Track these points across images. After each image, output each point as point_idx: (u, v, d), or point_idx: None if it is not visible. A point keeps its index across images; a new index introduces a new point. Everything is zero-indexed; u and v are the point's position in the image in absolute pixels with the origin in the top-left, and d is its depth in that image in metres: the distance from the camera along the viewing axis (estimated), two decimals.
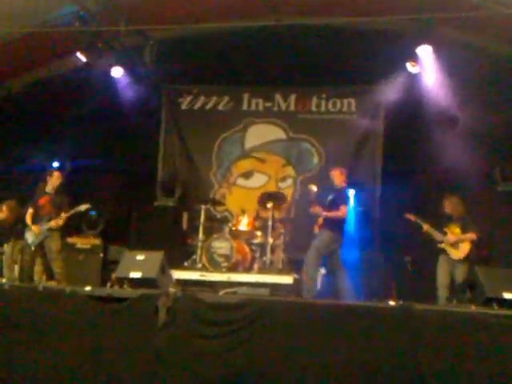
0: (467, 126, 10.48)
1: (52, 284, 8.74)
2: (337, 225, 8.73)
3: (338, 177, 9.13)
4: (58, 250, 9.23)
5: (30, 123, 11.82)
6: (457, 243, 8.92)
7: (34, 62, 11.80)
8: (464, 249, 8.89)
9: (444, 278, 8.92)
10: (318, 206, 8.88)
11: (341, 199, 8.87)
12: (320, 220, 8.94)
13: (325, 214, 8.80)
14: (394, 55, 10.19)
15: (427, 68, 10.18)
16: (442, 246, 8.98)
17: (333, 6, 10.22)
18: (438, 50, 9.88)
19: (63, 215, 9.26)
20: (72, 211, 9.35)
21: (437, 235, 9.03)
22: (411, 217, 9.19)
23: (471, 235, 8.92)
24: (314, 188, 9.32)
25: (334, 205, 8.77)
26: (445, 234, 9.04)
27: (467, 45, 10.24)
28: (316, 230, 9.05)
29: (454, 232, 9.02)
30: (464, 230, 8.99)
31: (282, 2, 10.41)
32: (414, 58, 10.10)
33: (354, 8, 10.19)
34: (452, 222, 9.11)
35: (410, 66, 10.23)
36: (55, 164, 12.07)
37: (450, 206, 9.20)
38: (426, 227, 9.07)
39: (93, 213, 11.23)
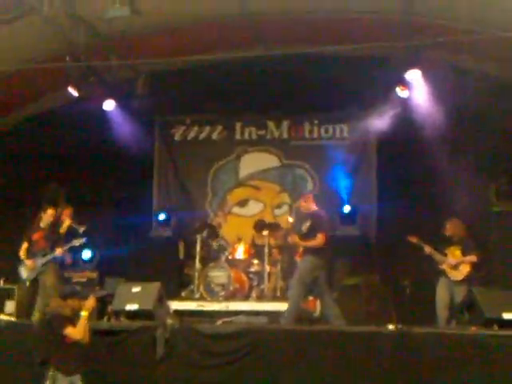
0: (460, 147, 10.52)
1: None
2: (317, 250, 8.58)
3: (304, 206, 9.02)
4: (52, 285, 9.17)
5: (23, 158, 11.84)
6: (457, 265, 8.93)
7: (26, 98, 11.84)
8: (464, 270, 8.90)
9: (443, 300, 8.91)
10: (294, 235, 8.81)
11: (317, 225, 8.58)
12: (300, 248, 8.86)
13: (303, 243, 8.63)
14: (384, 80, 10.27)
15: (417, 92, 10.24)
16: (443, 267, 8.98)
17: (321, 34, 10.31)
18: (426, 74, 9.94)
19: (58, 250, 9.23)
20: (67, 246, 9.34)
21: (438, 257, 9.04)
22: (413, 239, 9.19)
23: (472, 257, 8.94)
24: (290, 219, 9.39)
25: (311, 233, 8.55)
26: (445, 255, 9.05)
27: (455, 67, 10.32)
28: (298, 258, 9.00)
29: (454, 254, 9.05)
30: (465, 253, 9.00)
31: (269, 31, 10.51)
32: (403, 82, 10.16)
33: (342, 35, 10.27)
34: (452, 244, 9.13)
35: (400, 91, 10.28)
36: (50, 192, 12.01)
37: (451, 228, 9.23)
38: (428, 249, 9.08)
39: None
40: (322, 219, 8.68)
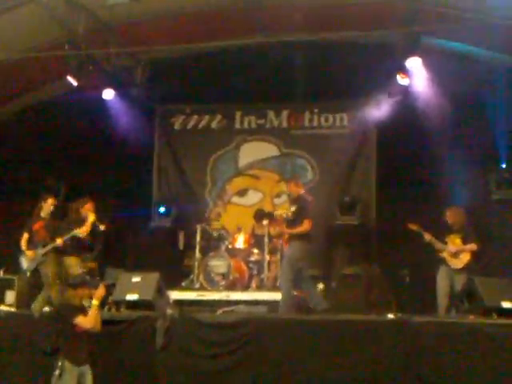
0: (460, 135, 10.50)
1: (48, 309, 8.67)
2: (304, 236, 8.50)
3: (293, 188, 9.00)
4: (53, 275, 9.16)
5: (23, 148, 11.82)
6: (458, 253, 8.92)
7: (25, 87, 11.80)
8: (464, 259, 8.89)
9: (443, 288, 8.91)
10: (278, 225, 8.79)
11: (304, 210, 8.58)
12: (285, 236, 8.83)
13: (288, 231, 8.60)
14: (384, 68, 10.24)
15: (417, 79, 10.20)
16: (443, 255, 8.98)
17: (321, 23, 10.27)
18: (427, 61, 9.90)
19: (59, 240, 9.22)
20: (67, 235, 9.31)
21: (438, 245, 9.03)
22: (413, 226, 9.18)
23: (472, 246, 8.93)
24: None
25: (298, 219, 8.54)
26: (445, 243, 9.04)
27: (455, 54, 10.29)
28: (285, 246, 9.00)
29: (454, 242, 9.03)
30: (465, 241, 9.00)
31: (269, 19, 10.46)
32: (403, 70, 10.11)
33: (342, 23, 10.23)
34: (453, 232, 9.12)
35: (400, 79, 10.24)
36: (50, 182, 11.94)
37: (451, 216, 9.21)
38: (427, 236, 9.07)
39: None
40: (307, 204, 8.69)
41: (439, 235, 9.08)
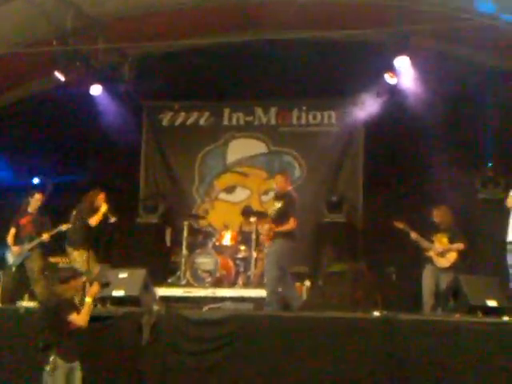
0: (446, 134, 10.55)
1: (34, 304, 8.63)
2: (289, 234, 8.44)
3: (282, 183, 8.93)
4: (39, 270, 9.15)
5: (10, 142, 11.77)
6: (444, 253, 8.97)
7: (13, 83, 11.75)
8: (451, 258, 8.94)
9: (429, 287, 8.96)
10: (265, 223, 8.79)
11: (290, 207, 8.49)
12: (270, 234, 8.78)
13: (277, 229, 8.41)
14: (372, 67, 10.25)
15: (405, 78, 10.24)
16: (430, 254, 9.02)
17: (310, 21, 10.29)
18: (415, 61, 9.94)
19: (45, 235, 9.19)
20: (53, 231, 9.29)
21: (424, 243, 9.07)
22: (399, 224, 9.22)
23: (459, 245, 8.98)
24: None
25: (284, 216, 8.46)
26: (432, 242, 9.08)
27: (443, 54, 10.34)
28: (266, 242, 8.96)
29: (441, 241, 9.08)
30: (452, 240, 9.04)
31: (259, 16, 10.47)
32: (392, 69, 10.15)
33: (331, 22, 10.25)
34: (440, 231, 9.16)
35: (389, 77, 10.27)
36: (35, 180, 11.91)
37: (439, 215, 9.25)
38: (414, 235, 9.11)
39: None
40: (294, 201, 8.59)
41: (426, 234, 9.13)
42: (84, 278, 6.68)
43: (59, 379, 6.20)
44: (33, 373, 6.81)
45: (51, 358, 6.21)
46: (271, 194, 12.02)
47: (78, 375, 6.36)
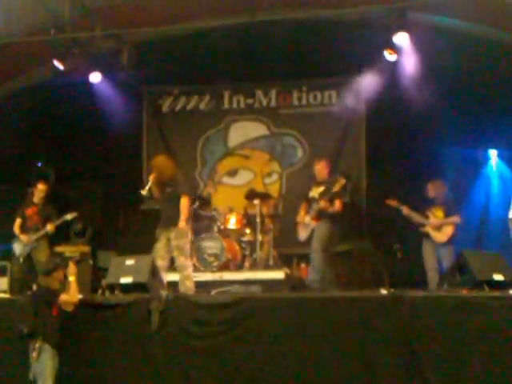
0: (449, 109, 10.52)
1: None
2: (334, 216, 8.73)
3: (323, 170, 9.15)
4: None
5: (11, 133, 11.76)
6: (440, 227, 8.97)
7: (12, 72, 11.70)
8: (447, 232, 8.95)
9: (431, 261, 9.01)
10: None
11: (334, 191, 8.90)
12: (314, 213, 8.95)
13: (331, 209, 8.88)
14: (372, 45, 10.19)
15: (405, 55, 10.19)
16: (425, 229, 9.03)
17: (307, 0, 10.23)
18: (414, 37, 9.88)
19: (49, 226, 9.22)
20: (59, 220, 9.33)
21: (418, 218, 9.08)
22: (392, 202, 9.25)
23: (455, 218, 9.00)
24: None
25: (329, 199, 8.84)
26: (427, 217, 9.09)
27: (442, 29, 10.27)
28: (301, 219, 9.10)
29: (436, 215, 9.08)
30: (447, 214, 9.04)
31: None
32: (391, 46, 10.09)
33: (328, 0, 10.19)
34: (434, 205, 9.16)
35: (388, 55, 10.22)
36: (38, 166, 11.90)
37: (433, 189, 9.26)
38: (405, 210, 9.14)
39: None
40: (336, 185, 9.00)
41: (420, 209, 9.14)
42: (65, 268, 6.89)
43: (47, 363, 6.49)
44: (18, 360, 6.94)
45: (36, 345, 6.49)
46: (274, 176, 12.08)
47: (56, 361, 6.62)
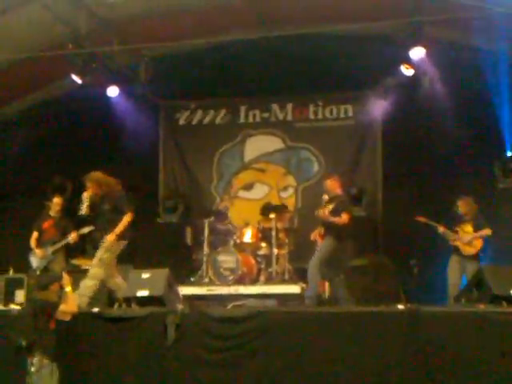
0: (465, 125, 10.49)
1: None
2: (340, 233, 8.70)
3: (332, 185, 9.15)
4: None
5: (29, 147, 11.87)
6: (471, 241, 8.97)
7: (30, 87, 11.83)
8: (477, 245, 8.95)
9: (454, 277, 8.98)
10: (325, 209, 8.94)
11: (342, 207, 8.87)
12: (321, 230, 8.95)
13: (332, 219, 8.80)
14: (388, 59, 10.23)
15: (422, 70, 10.20)
16: (455, 243, 9.02)
17: (324, 14, 10.27)
18: (431, 52, 9.89)
19: (73, 235, 9.28)
20: (79, 232, 9.38)
21: (451, 236, 9.09)
22: (421, 219, 9.23)
23: (487, 231, 9.00)
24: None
25: (336, 213, 8.77)
26: (456, 233, 9.09)
27: (458, 44, 10.27)
28: (314, 237, 9.09)
29: (466, 231, 9.08)
30: (477, 229, 9.04)
31: (272, 12, 10.46)
32: (407, 60, 10.11)
33: (345, 15, 10.23)
34: (464, 222, 9.16)
35: (405, 69, 10.24)
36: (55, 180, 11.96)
37: (464, 206, 9.25)
38: (441, 229, 9.13)
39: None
40: (345, 203, 9.04)
41: (449, 225, 9.12)
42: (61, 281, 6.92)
43: (46, 378, 6.42)
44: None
45: (35, 359, 6.44)
46: (290, 190, 12.08)
47: (56, 374, 6.56)
